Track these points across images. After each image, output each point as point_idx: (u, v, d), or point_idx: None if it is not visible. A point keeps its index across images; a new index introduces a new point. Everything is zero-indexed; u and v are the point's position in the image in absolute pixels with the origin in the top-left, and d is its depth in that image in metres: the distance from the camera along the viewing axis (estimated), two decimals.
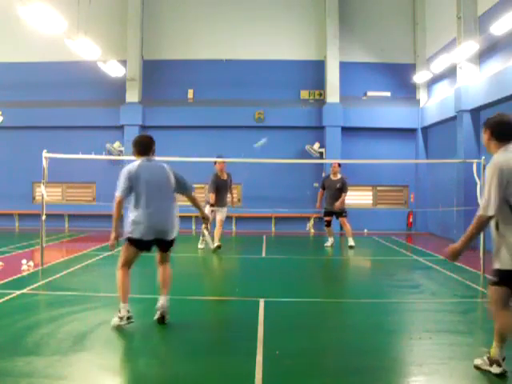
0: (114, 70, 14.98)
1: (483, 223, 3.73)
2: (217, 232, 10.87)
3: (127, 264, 5.22)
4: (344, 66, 16.65)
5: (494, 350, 3.96)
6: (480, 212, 3.72)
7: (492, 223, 3.78)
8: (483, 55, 12.51)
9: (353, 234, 11.99)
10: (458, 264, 8.88)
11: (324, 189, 12.16)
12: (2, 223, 16.66)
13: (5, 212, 16.81)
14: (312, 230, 12.98)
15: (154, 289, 5.79)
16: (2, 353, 4.34)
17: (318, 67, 17.03)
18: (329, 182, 12.07)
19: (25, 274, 7.96)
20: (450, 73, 14.16)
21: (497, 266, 3.77)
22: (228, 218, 13.40)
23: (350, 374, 4.08)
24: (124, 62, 16.26)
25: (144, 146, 5.31)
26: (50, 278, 7.67)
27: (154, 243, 5.26)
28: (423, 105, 16.85)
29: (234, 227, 16.30)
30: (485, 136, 3.84)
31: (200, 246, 11.47)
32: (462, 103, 12.92)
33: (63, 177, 16.50)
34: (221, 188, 10.93)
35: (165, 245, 5.30)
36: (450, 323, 5.63)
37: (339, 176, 12.03)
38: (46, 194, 8.83)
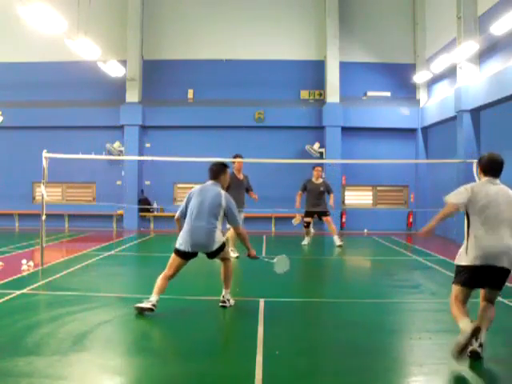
0: (113, 69, 14.98)
1: (448, 207, 4.39)
2: (233, 238, 9.72)
3: (171, 273, 5.76)
4: (344, 66, 16.66)
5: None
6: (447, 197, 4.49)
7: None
8: (483, 55, 12.52)
9: (339, 233, 12.34)
10: None
11: (304, 191, 12.21)
12: (2, 223, 16.67)
13: (5, 212, 16.82)
14: (312, 230, 12.99)
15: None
16: (2, 353, 4.34)
17: (318, 67, 17.04)
18: (311, 185, 12.17)
19: (25, 273, 7.96)
20: (450, 73, 14.16)
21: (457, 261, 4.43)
22: None
23: (350, 373, 4.07)
24: (124, 62, 16.27)
25: (212, 173, 6.14)
26: (50, 278, 7.66)
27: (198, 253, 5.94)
28: (423, 105, 16.85)
29: None
30: (478, 169, 4.67)
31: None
32: (462, 103, 12.92)
33: (63, 177, 16.52)
34: (235, 187, 9.88)
35: (209, 255, 5.97)
36: (449, 323, 5.59)
37: (321, 180, 12.27)
38: (45, 193, 8.83)
